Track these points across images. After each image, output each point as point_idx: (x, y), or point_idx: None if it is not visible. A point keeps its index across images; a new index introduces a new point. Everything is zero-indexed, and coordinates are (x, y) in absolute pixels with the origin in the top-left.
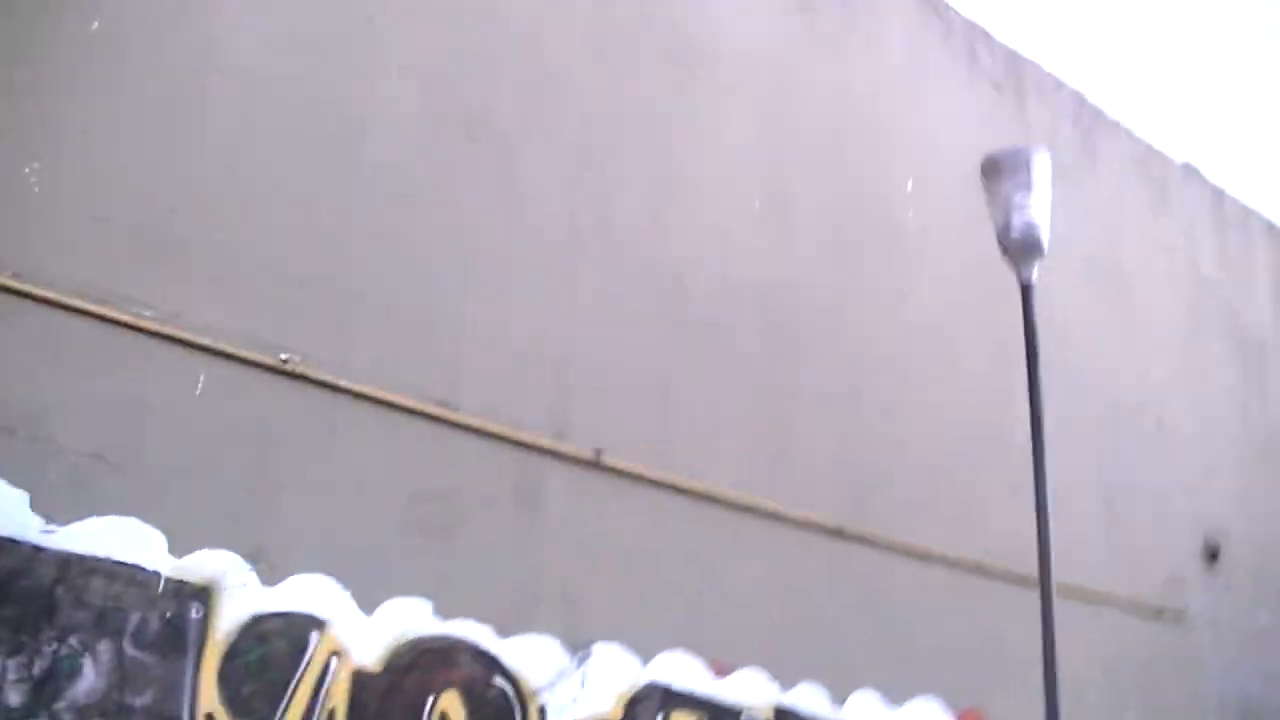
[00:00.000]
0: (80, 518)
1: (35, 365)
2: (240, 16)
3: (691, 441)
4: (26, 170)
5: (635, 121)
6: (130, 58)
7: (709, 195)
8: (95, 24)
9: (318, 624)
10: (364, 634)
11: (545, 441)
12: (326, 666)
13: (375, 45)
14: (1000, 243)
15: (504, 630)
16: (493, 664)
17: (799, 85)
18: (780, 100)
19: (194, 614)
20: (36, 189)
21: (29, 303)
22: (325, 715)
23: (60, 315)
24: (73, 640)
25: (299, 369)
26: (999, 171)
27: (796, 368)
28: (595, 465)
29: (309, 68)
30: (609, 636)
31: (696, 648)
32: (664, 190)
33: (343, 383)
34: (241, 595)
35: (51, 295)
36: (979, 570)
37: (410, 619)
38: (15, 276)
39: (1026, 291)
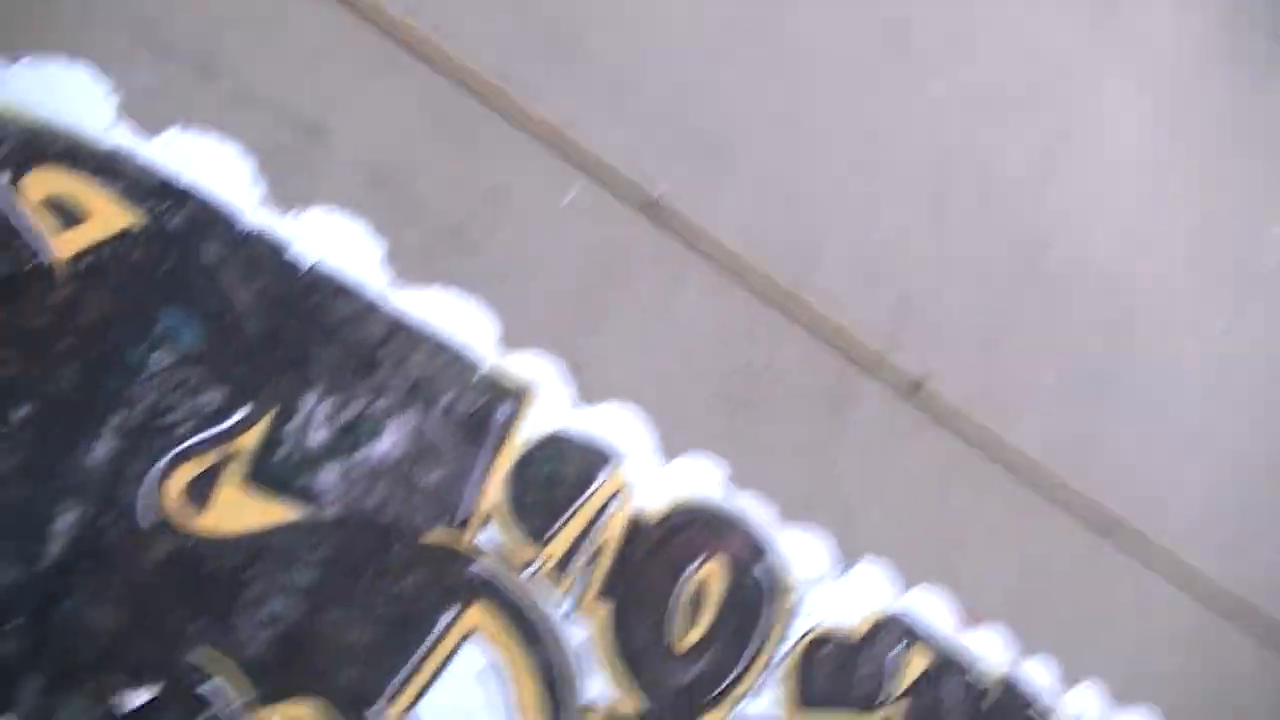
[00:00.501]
0: (425, 285)
1: (420, 126)
2: None
3: (1007, 400)
4: None
5: (1046, 71)
6: None
7: (1092, 165)
8: None
9: (612, 454)
10: (653, 481)
11: (872, 355)
12: (609, 501)
13: None
14: None
15: (783, 518)
16: (763, 547)
17: (1213, 91)
18: (1190, 98)
19: (502, 412)
20: None
21: (427, 64)
22: (594, 547)
23: (454, 85)
24: (383, 401)
25: (668, 210)
26: None
27: (1122, 362)
28: (913, 392)
29: None
30: (876, 556)
31: (952, 593)
32: (1051, 146)
33: (703, 235)
34: (551, 407)
35: (456, 59)
36: (1238, 614)
37: (700, 480)
38: (431, 27)
39: None
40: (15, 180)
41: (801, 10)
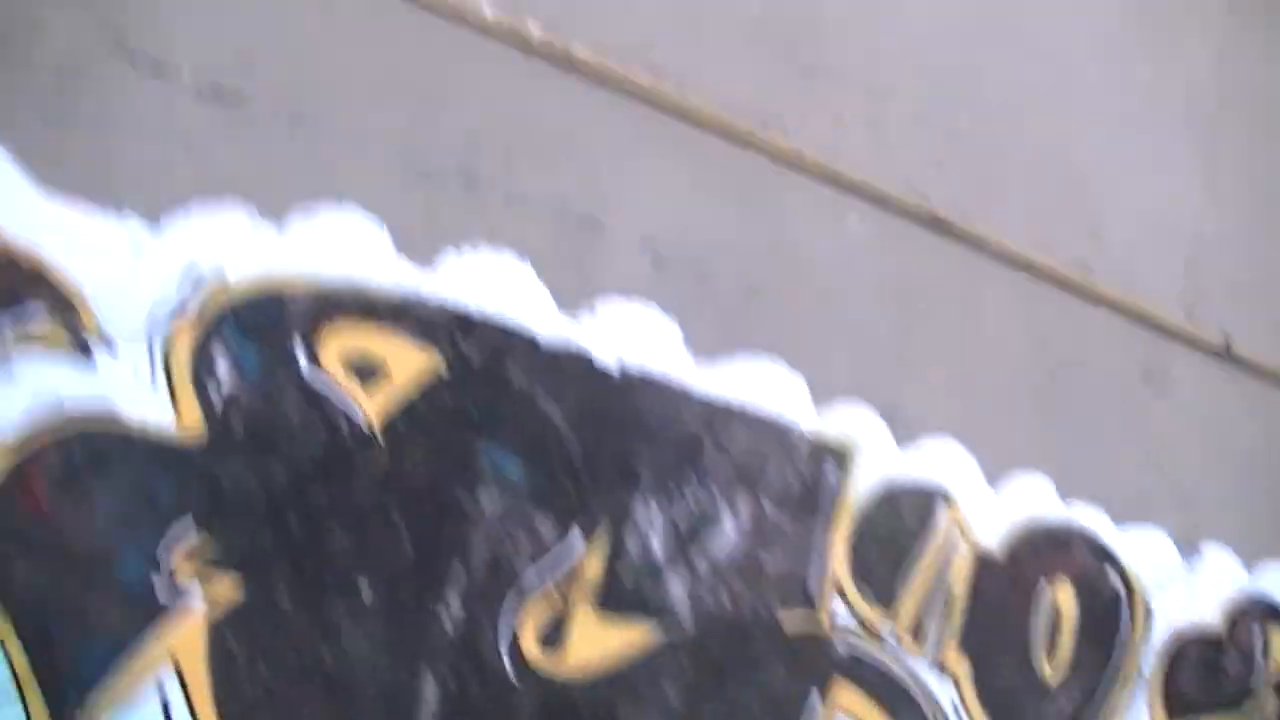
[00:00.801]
0: (728, 358)
1: (690, 191)
2: None
3: None
4: None
5: None
6: None
7: None
8: None
9: (945, 495)
10: (987, 510)
11: (1175, 322)
12: (949, 542)
13: None
14: None
15: (1119, 519)
16: (1107, 556)
17: None
18: None
19: (830, 473)
20: None
21: (685, 125)
22: (945, 595)
23: (713, 139)
24: (714, 490)
25: (948, 219)
26: None
27: None
28: (1224, 354)
29: None
30: (1218, 538)
31: None
32: None
33: (987, 239)
34: (875, 456)
35: (710, 111)
36: None
37: (1032, 497)
38: (677, 85)
39: None
40: (311, 344)
41: None
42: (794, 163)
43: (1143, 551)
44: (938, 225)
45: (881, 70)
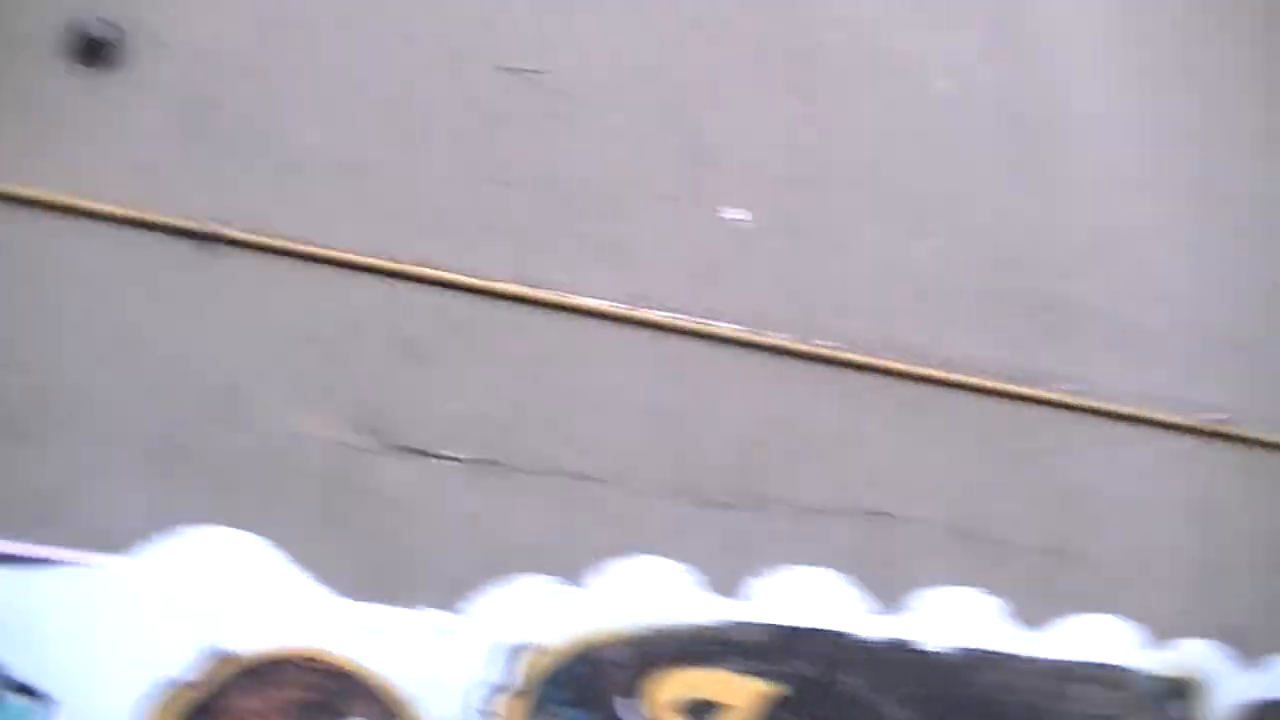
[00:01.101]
0: (1051, 620)
1: (976, 462)
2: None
3: None
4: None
5: None
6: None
7: None
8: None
9: None
10: None
11: None
12: None
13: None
14: None
15: None
16: None
17: None
18: None
19: (1183, 712)
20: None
21: (958, 395)
22: None
23: (985, 403)
24: None
25: (1232, 429)
26: None
27: None
28: None
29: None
30: None
31: None
32: None
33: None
34: (1224, 684)
35: (962, 378)
36: None
37: None
38: (938, 363)
39: None
40: (639, 697)
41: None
42: (1064, 406)
43: None
44: (1222, 435)
45: (1123, 295)
